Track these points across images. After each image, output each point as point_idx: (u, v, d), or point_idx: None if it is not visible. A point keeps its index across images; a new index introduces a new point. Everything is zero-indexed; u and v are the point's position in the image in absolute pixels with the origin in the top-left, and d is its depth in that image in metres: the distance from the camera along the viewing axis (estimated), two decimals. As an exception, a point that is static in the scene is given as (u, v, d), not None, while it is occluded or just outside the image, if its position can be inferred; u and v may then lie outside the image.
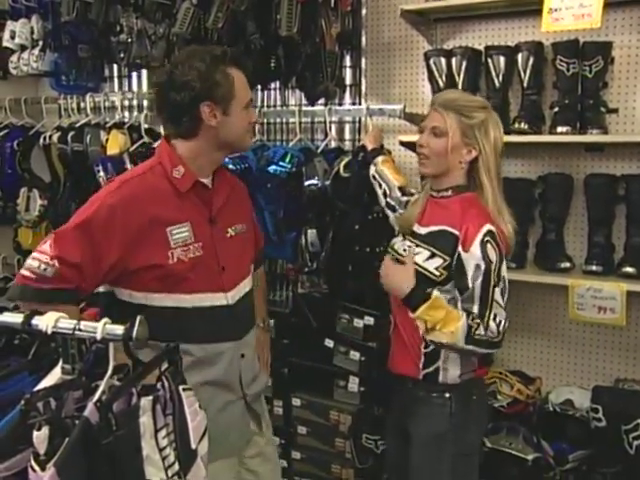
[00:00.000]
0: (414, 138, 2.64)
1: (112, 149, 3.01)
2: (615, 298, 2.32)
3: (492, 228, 1.87)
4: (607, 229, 2.51)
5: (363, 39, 2.93)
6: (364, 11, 2.91)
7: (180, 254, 1.77)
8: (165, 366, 1.37)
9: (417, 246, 1.98)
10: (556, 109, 2.46)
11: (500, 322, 1.82)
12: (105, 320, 1.27)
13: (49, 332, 1.28)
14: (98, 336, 1.25)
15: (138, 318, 1.25)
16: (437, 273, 1.90)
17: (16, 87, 3.70)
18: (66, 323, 1.28)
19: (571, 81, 2.44)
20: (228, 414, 1.90)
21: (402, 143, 2.67)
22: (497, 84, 2.58)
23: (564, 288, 2.42)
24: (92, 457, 1.17)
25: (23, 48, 3.40)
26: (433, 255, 1.92)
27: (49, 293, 1.65)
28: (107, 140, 3.06)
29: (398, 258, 2.02)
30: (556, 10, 2.28)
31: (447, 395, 1.96)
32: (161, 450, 1.30)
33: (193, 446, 1.35)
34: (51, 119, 3.48)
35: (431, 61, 2.68)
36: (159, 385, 1.33)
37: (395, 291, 1.94)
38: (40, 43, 3.31)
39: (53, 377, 1.33)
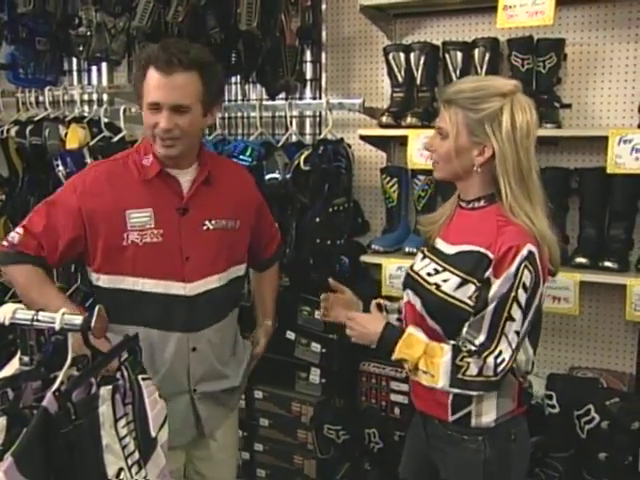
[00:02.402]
0: (374, 132, 2.73)
1: (71, 143, 2.97)
2: (569, 288, 2.38)
3: (533, 249, 1.58)
4: (560, 221, 2.56)
5: (323, 34, 2.96)
6: (324, 6, 2.94)
7: (135, 237, 1.82)
8: (125, 356, 1.39)
9: (444, 270, 1.69)
10: (511, 104, 2.52)
11: (502, 362, 1.57)
12: (63, 310, 1.27)
13: (6, 323, 1.28)
14: (57, 326, 1.26)
15: (97, 308, 1.26)
16: (471, 303, 1.62)
17: (-29, 80, 3.64)
18: (24, 314, 1.29)
19: (526, 76, 2.49)
20: (170, 405, 1.88)
21: (362, 137, 2.71)
22: (454, 79, 2.62)
23: (519, 279, 2.48)
24: (51, 446, 1.18)
25: (-21, 41, 3.34)
26: (464, 282, 1.63)
27: (14, 255, 1.82)
28: (66, 134, 3.03)
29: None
30: (510, 7, 2.33)
31: (480, 438, 1.69)
32: (121, 439, 1.32)
33: (153, 434, 1.38)
34: (9, 113, 3.42)
35: (390, 56, 2.72)
36: (118, 375, 1.34)
37: (367, 336, 1.71)
38: (-4, 36, 3.27)
39: (11, 368, 1.33)
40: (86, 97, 3.32)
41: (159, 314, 1.84)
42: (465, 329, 1.63)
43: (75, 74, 3.55)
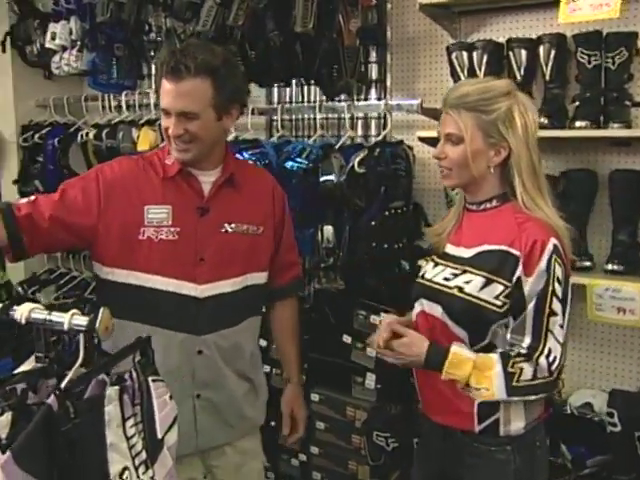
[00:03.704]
0: (432, 134, 2.65)
1: (142, 145, 3.09)
2: (635, 299, 2.23)
3: (557, 242, 1.58)
4: (632, 227, 2.41)
5: (388, 34, 2.91)
6: (389, 6, 2.89)
7: (151, 233, 1.82)
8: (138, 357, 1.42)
9: (464, 272, 1.65)
10: (577, 103, 2.39)
11: (554, 360, 1.55)
12: (73, 311, 1.31)
13: (23, 322, 1.33)
14: (65, 327, 1.29)
15: (101, 310, 1.29)
16: (499, 303, 1.59)
17: (61, 86, 3.83)
18: (39, 313, 1.33)
19: (593, 74, 2.36)
20: None
21: (421, 139, 2.65)
22: (519, 78, 2.51)
23: (585, 288, 2.34)
24: (53, 443, 1.21)
25: (64, 49, 3.51)
26: (489, 281, 1.59)
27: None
28: (138, 137, 3.14)
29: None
30: (574, 0, 2.21)
31: (509, 448, 1.65)
32: (129, 438, 1.34)
33: (159, 436, 1.38)
34: (92, 117, 3.59)
35: (453, 55, 2.64)
36: (127, 376, 1.36)
37: (412, 363, 1.67)
38: (78, 43, 3.42)
39: (28, 366, 1.38)
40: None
41: (167, 313, 1.81)
42: (509, 335, 1.60)
43: (153, 78, 3.66)
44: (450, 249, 1.74)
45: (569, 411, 2.41)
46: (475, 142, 1.62)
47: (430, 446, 1.84)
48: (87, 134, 3.34)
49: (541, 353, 1.55)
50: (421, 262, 1.85)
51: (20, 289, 3.71)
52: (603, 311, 2.29)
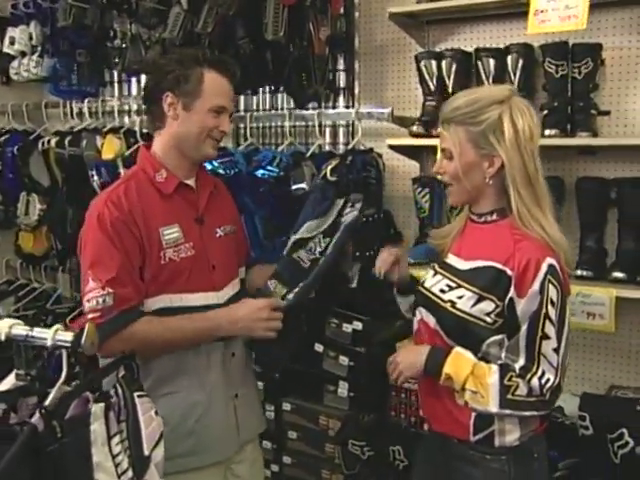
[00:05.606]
0: (401, 141, 2.68)
1: (107, 154, 3.03)
2: (604, 304, 2.28)
3: (553, 262, 1.55)
4: (599, 233, 2.47)
5: (356, 42, 2.92)
6: (357, 14, 2.90)
7: (172, 254, 1.81)
8: (122, 373, 1.38)
9: (458, 286, 1.64)
10: (545, 112, 2.43)
11: (547, 381, 1.54)
12: (57, 327, 1.27)
13: (2, 339, 1.29)
14: (48, 343, 1.26)
15: (87, 325, 1.25)
16: (490, 320, 1.58)
17: (20, 92, 3.75)
18: (19, 330, 1.29)
19: (560, 83, 2.41)
20: (215, 415, 1.89)
21: (391, 146, 2.66)
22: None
23: (554, 293, 2.38)
24: (38, 465, 1.17)
25: (23, 54, 3.43)
26: (482, 298, 1.59)
27: (118, 318, 1.71)
28: (102, 145, 3.08)
29: None
30: (542, 11, 2.25)
31: (504, 457, 1.64)
32: (114, 457, 1.30)
33: (146, 453, 1.35)
34: (53, 124, 3.52)
35: (422, 64, 2.66)
36: (112, 392, 1.33)
37: (413, 365, 1.67)
38: (39, 49, 3.35)
39: (8, 383, 1.34)
40: (126, 107, 3.35)
41: None
42: (504, 354, 1.60)
43: (116, 85, 3.60)
44: (450, 258, 1.73)
45: (540, 415, 2.43)
46: (466, 155, 1.60)
47: (428, 457, 1.84)
48: (49, 142, 3.27)
49: (534, 374, 1.55)
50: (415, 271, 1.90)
51: (-22, 301, 3.61)
52: (574, 316, 2.32)
